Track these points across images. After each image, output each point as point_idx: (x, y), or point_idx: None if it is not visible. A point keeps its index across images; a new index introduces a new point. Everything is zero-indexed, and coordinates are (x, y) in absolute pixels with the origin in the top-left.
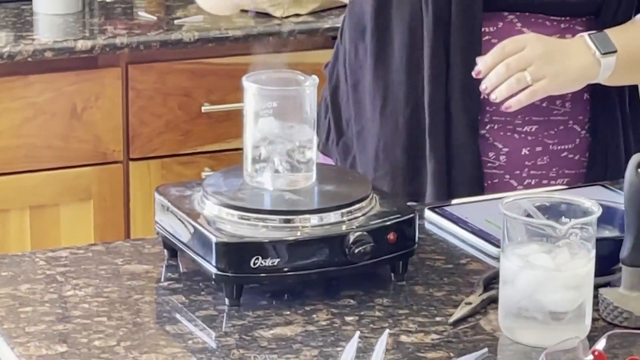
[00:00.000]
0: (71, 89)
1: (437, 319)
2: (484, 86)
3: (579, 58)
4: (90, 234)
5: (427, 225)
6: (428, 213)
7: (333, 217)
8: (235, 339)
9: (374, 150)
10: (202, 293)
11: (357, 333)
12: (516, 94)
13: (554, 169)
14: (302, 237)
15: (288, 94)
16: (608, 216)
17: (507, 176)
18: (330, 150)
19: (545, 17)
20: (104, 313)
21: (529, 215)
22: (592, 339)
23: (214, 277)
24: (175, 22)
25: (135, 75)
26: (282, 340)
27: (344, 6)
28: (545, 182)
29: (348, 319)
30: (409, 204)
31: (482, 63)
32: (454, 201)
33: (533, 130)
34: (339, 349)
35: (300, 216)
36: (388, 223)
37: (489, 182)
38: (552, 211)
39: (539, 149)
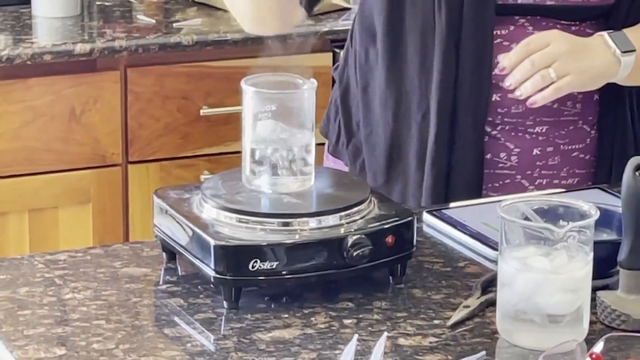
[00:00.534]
0: (70, 92)
1: (435, 321)
2: (508, 83)
3: (600, 56)
4: (89, 237)
5: (425, 229)
6: (426, 216)
7: (331, 220)
8: (234, 342)
9: (385, 154)
10: (201, 296)
11: (356, 336)
12: (540, 90)
13: (564, 169)
14: (301, 240)
15: (287, 97)
16: (606, 219)
17: (519, 176)
18: (340, 152)
19: (556, 20)
20: (103, 316)
21: (526, 219)
22: (590, 341)
23: (212, 280)
24: (174, 25)
25: (134, 78)
26: (280, 343)
27: (343, 9)
28: (556, 181)
29: (346, 321)
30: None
31: (507, 60)
32: (452, 204)
33: (544, 130)
34: (337, 352)
35: (299, 219)
36: (386, 226)
37: (500, 182)
38: (550, 214)
39: (550, 149)
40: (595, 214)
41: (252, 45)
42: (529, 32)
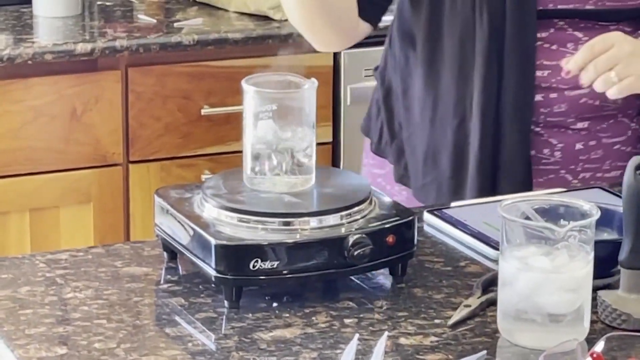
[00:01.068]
0: (71, 91)
1: (436, 321)
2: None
3: None
4: (90, 237)
5: (426, 228)
6: (427, 216)
7: (332, 219)
8: (235, 341)
9: (423, 157)
10: (202, 295)
11: (357, 335)
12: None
13: (607, 162)
14: (302, 240)
15: (287, 96)
16: (606, 219)
17: (563, 171)
18: (383, 151)
19: (594, 22)
20: (104, 315)
21: (527, 218)
22: (590, 341)
23: (213, 279)
24: (175, 24)
25: (135, 77)
26: (281, 342)
27: None
28: (599, 175)
29: (347, 321)
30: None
31: (572, 63)
32: (453, 204)
33: (586, 126)
34: (338, 351)
35: (300, 219)
36: (387, 226)
37: (545, 177)
38: (550, 214)
39: (592, 142)
40: (596, 214)
41: (253, 45)
42: (568, 34)
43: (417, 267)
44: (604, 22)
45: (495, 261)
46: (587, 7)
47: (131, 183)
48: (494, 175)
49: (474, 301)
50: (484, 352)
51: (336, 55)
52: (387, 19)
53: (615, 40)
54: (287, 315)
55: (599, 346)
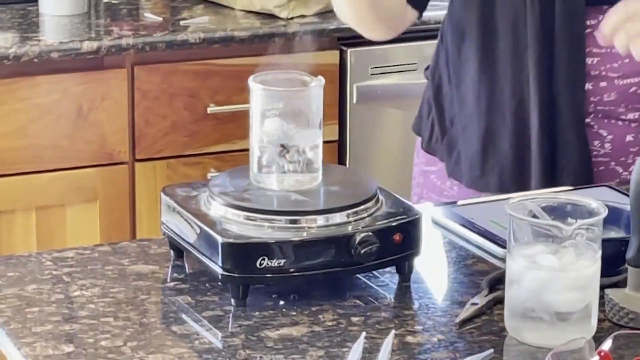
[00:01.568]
0: (77, 89)
1: (443, 319)
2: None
3: None
4: (96, 235)
5: (433, 226)
6: (434, 214)
7: (339, 217)
8: (242, 339)
9: (480, 145)
10: (208, 293)
11: (363, 334)
12: None
13: None
14: (308, 238)
15: (294, 94)
16: (614, 217)
17: (613, 163)
18: (434, 148)
19: None
20: (111, 313)
21: (535, 216)
22: (598, 339)
23: (220, 277)
24: (181, 23)
25: (141, 76)
26: (288, 340)
27: None
28: None
29: (354, 319)
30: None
31: (607, 25)
32: (460, 202)
33: (636, 117)
34: (345, 349)
35: (306, 217)
36: (394, 224)
37: (595, 169)
38: (558, 212)
39: None
40: (604, 212)
41: (259, 43)
42: None
43: (423, 266)
44: None
45: (503, 259)
46: None
47: (137, 181)
48: (554, 157)
49: (481, 299)
50: (491, 350)
51: (342, 54)
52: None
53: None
54: (294, 313)
55: (607, 344)
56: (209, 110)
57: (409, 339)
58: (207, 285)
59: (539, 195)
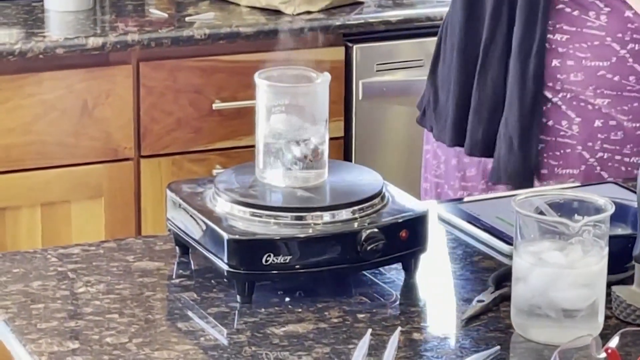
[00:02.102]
0: (82, 86)
1: (449, 316)
2: None
3: None
4: (101, 231)
5: (439, 223)
6: (440, 210)
7: (345, 214)
8: (247, 336)
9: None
10: (214, 290)
11: (369, 330)
12: None
13: (628, 146)
14: (314, 234)
15: (300, 90)
16: (621, 214)
17: (579, 147)
18: (427, 120)
19: None
20: (116, 310)
21: (541, 213)
22: (605, 336)
23: (225, 274)
24: (187, 19)
25: (147, 72)
26: (294, 337)
27: (355, 4)
28: (618, 157)
29: (360, 316)
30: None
31: None
32: (466, 198)
33: (605, 103)
34: (351, 346)
35: (312, 213)
36: (400, 220)
37: (562, 151)
38: (564, 209)
39: (612, 122)
40: (611, 209)
41: (264, 40)
42: (591, 1)
43: (430, 262)
44: None
45: (509, 256)
46: None
47: (142, 178)
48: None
49: (488, 296)
50: (498, 347)
51: (348, 50)
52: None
53: None
54: (300, 310)
55: (614, 342)
56: (214, 106)
57: (415, 335)
58: (212, 281)
59: (546, 191)
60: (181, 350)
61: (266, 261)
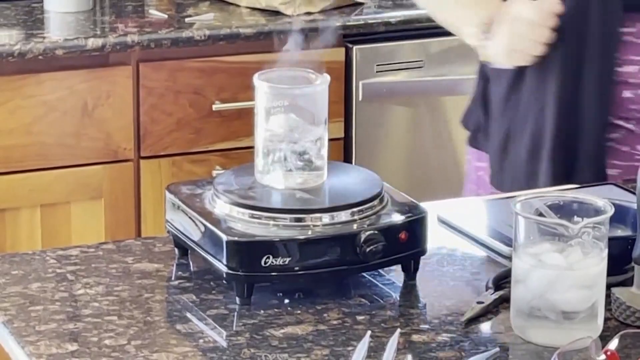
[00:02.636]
0: (82, 87)
1: (449, 318)
2: None
3: None
4: (101, 232)
5: (439, 224)
6: (439, 212)
7: (344, 216)
8: (246, 338)
9: (499, 144)
10: (213, 292)
11: (369, 332)
12: None
13: None
14: (313, 236)
15: (299, 92)
16: (620, 215)
17: None
18: (478, 141)
19: None
20: (115, 312)
21: (541, 215)
22: (604, 338)
23: (224, 276)
24: (186, 20)
25: (146, 73)
26: (293, 339)
27: (355, 4)
28: None
29: (359, 318)
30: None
31: None
32: (465, 199)
33: None
34: (350, 348)
35: (312, 215)
36: (399, 222)
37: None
38: (564, 210)
39: None
40: (610, 210)
41: (264, 40)
42: None
43: (429, 264)
44: None
45: (509, 258)
46: None
47: (142, 179)
48: (571, 165)
49: (487, 298)
50: (497, 349)
51: (348, 51)
52: None
53: None
54: (299, 312)
55: (613, 344)
56: (214, 107)
57: (415, 337)
58: (211, 283)
59: (546, 193)
60: (180, 352)
61: (265, 263)
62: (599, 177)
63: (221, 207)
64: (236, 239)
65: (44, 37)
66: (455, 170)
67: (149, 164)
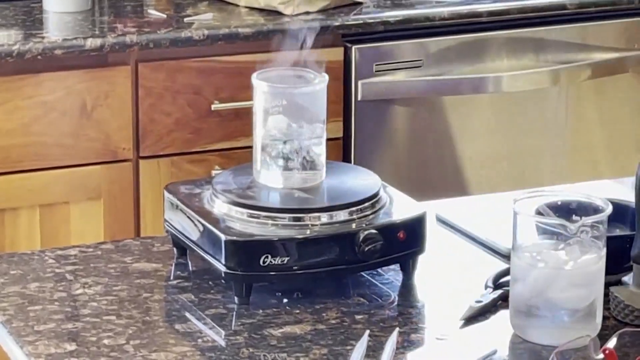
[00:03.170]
0: (81, 87)
1: (448, 317)
2: None
3: None
4: (101, 233)
5: (437, 223)
6: (438, 211)
7: (343, 215)
8: (245, 337)
9: None
10: (212, 291)
11: (367, 331)
12: None
13: None
14: (312, 236)
15: (298, 92)
16: (619, 214)
17: None
18: None
19: None
20: (113, 311)
21: (539, 214)
22: (603, 337)
23: (223, 275)
24: (185, 20)
25: (145, 73)
26: (291, 338)
27: (354, 4)
28: None
29: (358, 317)
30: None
31: None
32: (464, 198)
33: None
34: (348, 347)
35: (310, 214)
36: (398, 221)
37: None
38: (563, 209)
39: None
40: (608, 209)
41: (263, 40)
42: None
43: (428, 263)
44: None
45: (507, 257)
46: None
47: (141, 179)
48: None
49: (486, 297)
50: (496, 348)
51: (347, 51)
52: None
53: None
54: (298, 311)
55: (612, 342)
56: (213, 107)
57: (413, 337)
58: (210, 283)
59: (544, 192)
60: (179, 351)
61: (264, 262)
62: None
63: (220, 206)
64: (235, 238)
65: (42, 37)
66: (453, 169)
67: (148, 164)
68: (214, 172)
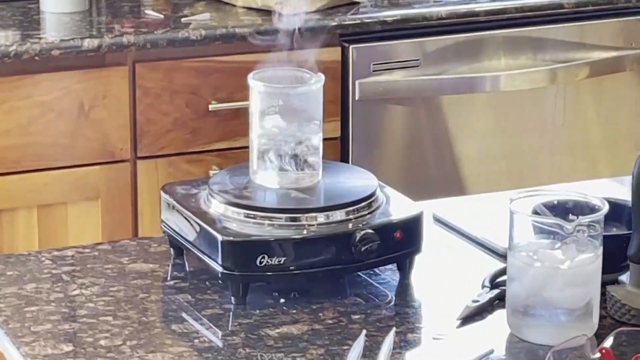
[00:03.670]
0: (78, 87)
1: (444, 317)
2: None
3: None
4: (98, 233)
5: (434, 223)
6: (435, 211)
7: (339, 215)
8: (242, 337)
9: None
10: (208, 292)
11: (364, 331)
12: None
13: None
14: (309, 236)
15: (294, 92)
16: (616, 213)
17: None
18: None
19: None
20: (110, 312)
21: (536, 213)
22: (599, 336)
23: (220, 275)
24: (182, 20)
25: (143, 73)
26: (288, 338)
27: (352, 4)
28: None
29: (355, 317)
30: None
31: None
32: (461, 198)
33: None
34: (345, 347)
35: (307, 214)
36: (395, 221)
37: None
38: (559, 208)
39: None
40: (605, 208)
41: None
42: None
43: (424, 263)
44: None
45: (504, 256)
46: None
47: (139, 179)
48: None
49: (482, 297)
50: (492, 348)
51: (344, 50)
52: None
53: None
54: (294, 311)
55: (608, 342)
56: (210, 107)
57: (410, 336)
58: (207, 283)
59: (541, 192)
60: (175, 352)
61: (260, 262)
62: None
63: (216, 207)
64: (231, 238)
65: (40, 38)
66: (451, 169)
67: (146, 164)
68: (211, 172)
